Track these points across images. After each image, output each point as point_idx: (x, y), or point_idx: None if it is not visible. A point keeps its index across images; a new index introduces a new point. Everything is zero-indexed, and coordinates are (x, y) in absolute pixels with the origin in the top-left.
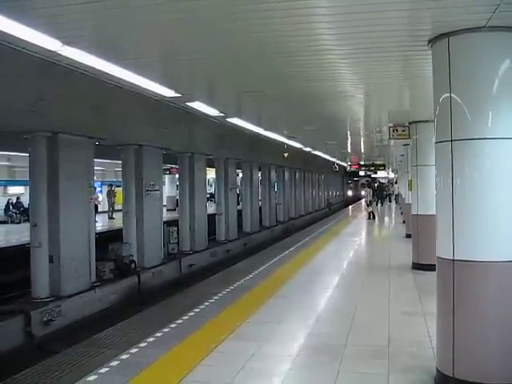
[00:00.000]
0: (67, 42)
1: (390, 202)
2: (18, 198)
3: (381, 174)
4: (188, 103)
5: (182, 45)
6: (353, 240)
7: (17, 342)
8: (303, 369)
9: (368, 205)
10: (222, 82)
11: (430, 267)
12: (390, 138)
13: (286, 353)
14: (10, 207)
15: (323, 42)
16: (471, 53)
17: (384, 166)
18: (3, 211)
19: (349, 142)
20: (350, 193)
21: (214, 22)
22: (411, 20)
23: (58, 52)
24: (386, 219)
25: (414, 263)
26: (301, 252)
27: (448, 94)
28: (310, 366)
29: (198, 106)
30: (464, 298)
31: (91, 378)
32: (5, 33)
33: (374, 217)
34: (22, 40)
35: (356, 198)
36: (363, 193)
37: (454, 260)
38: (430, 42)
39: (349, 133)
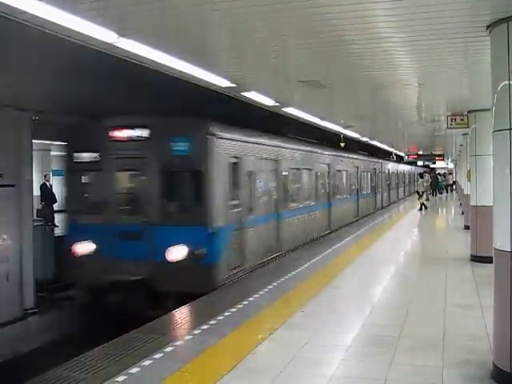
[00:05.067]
0: (123, 33)
1: (447, 192)
2: None
3: (440, 164)
4: (243, 93)
5: (238, 35)
6: (409, 231)
7: None
8: (356, 359)
9: (420, 196)
10: (278, 72)
11: (489, 259)
12: (448, 128)
13: (339, 343)
14: None
15: (380, 29)
16: None
17: (443, 155)
18: None
19: (406, 131)
20: None
21: (271, 12)
22: (470, 5)
23: (115, 44)
24: (444, 210)
25: (472, 255)
26: (356, 242)
27: (507, 82)
28: (363, 356)
29: (254, 95)
30: None
31: (146, 362)
32: (63, 26)
33: (425, 208)
34: (80, 33)
35: None
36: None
37: (511, 252)
38: (488, 27)
39: (406, 122)
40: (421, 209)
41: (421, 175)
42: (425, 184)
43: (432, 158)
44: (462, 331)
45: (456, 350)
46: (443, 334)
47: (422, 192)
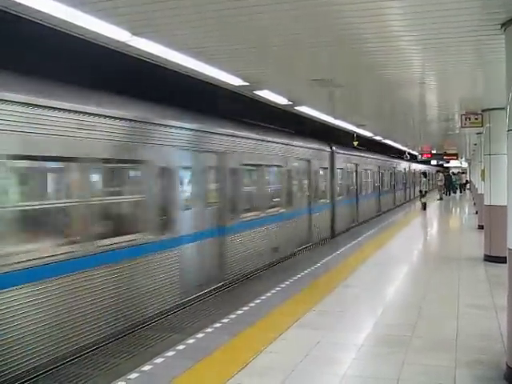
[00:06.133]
0: (136, 32)
1: (461, 192)
2: None
3: (453, 163)
4: (256, 91)
5: (251, 34)
6: (422, 230)
7: None
8: (368, 358)
9: (422, 195)
10: (291, 71)
11: (503, 259)
12: (461, 127)
13: (351, 342)
14: None
15: (393, 28)
16: None
17: (456, 155)
18: None
19: (419, 130)
20: None
21: (283, 10)
22: (484, 3)
23: (128, 43)
24: (458, 210)
25: (486, 255)
26: (369, 241)
27: None
28: (375, 355)
29: (267, 94)
30: None
31: (158, 360)
32: (76, 25)
33: (425, 208)
34: (93, 32)
35: None
36: None
37: None
38: (503, 25)
39: (419, 120)
40: (424, 208)
41: (424, 174)
42: (439, 183)
43: (446, 157)
44: (474, 331)
45: (469, 351)
46: (456, 334)
47: (425, 191)
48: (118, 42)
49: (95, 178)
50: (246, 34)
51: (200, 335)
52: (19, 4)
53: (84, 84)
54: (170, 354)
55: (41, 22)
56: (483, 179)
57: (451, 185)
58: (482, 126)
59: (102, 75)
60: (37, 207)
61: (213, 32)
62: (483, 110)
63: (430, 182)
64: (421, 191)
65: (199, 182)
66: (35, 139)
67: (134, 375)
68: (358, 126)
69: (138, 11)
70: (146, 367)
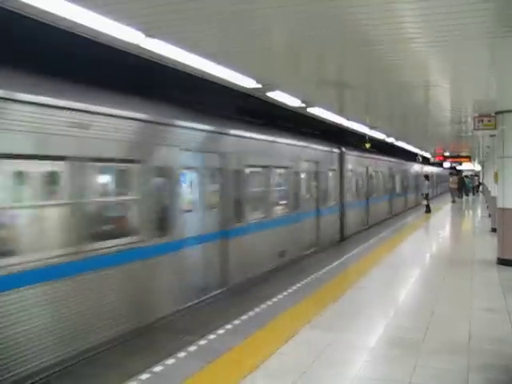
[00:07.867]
0: (150, 34)
1: (473, 194)
2: None
3: (466, 165)
4: (268, 93)
5: (263, 35)
6: (435, 232)
7: None
8: (379, 361)
9: (424, 198)
10: (305, 73)
11: None
12: (474, 129)
13: (363, 344)
14: None
15: (406, 30)
16: None
17: (469, 157)
18: None
19: (432, 133)
20: None
21: (297, 12)
22: (497, 4)
23: (141, 45)
24: (470, 212)
25: (499, 258)
26: (383, 243)
27: None
28: (387, 358)
29: (279, 95)
30: None
31: (170, 361)
32: (91, 28)
33: (429, 210)
34: (108, 35)
35: None
36: None
37: None
38: None
39: (432, 123)
40: (428, 211)
41: (426, 177)
42: (452, 186)
43: (458, 159)
44: (487, 335)
45: (481, 354)
46: (468, 338)
47: (427, 194)
48: (131, 44)
49: None
50: (261, 36)
51: (211, 337)
52: (28, 5)
53: None
54: (182, 355)
55: (53, 24)
56: (496, 182)
57: (465, 187)
58: (495, 129)
59: None
60: None
61: (227, 34)
62: (496, 113)
63: (443, 184)
64: (422, 194)
65: None
66: None
67: (145, 376)
68: (372, 127)
69: (151, 12)
70: (158, 368)
